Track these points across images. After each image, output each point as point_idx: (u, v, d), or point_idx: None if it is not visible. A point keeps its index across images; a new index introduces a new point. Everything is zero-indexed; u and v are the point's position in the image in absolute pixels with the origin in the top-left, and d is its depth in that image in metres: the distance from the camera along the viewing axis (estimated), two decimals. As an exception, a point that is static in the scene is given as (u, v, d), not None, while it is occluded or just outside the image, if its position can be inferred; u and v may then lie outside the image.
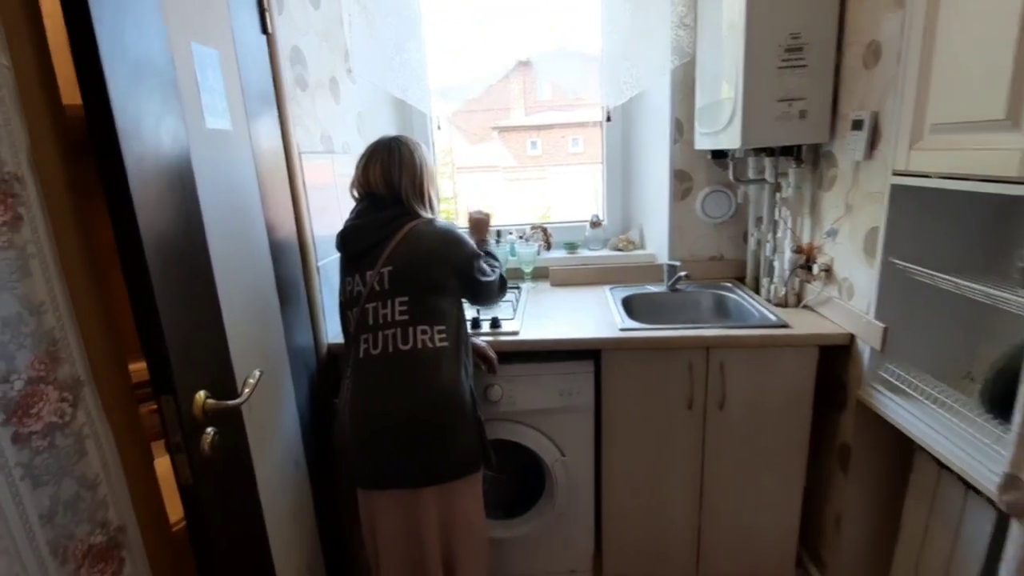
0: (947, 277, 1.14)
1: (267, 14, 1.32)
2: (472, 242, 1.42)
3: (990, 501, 1.11)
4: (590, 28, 1.99)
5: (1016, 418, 0.93)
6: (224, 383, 1.02)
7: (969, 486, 1.21)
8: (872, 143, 1.35)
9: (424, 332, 1.30)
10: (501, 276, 1.50)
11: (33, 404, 0.71)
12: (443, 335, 1.31)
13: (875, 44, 1.33)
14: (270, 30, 1.34)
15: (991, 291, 1.04)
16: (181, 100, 0.94)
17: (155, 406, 0.89)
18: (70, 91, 0.79)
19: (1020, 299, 0.98)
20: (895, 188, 1.24)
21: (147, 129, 0.83)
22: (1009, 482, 0.96)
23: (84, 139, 0.78)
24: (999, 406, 1.07)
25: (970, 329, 1.32)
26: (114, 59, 0.76)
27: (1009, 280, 1.09)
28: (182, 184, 0.93)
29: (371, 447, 1.30)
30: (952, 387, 1.24)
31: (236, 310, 1.11)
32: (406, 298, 1.30)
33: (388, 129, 2.19)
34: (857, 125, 1.38)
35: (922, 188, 1.15)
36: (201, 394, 0.93)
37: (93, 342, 0.80)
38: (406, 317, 1.30)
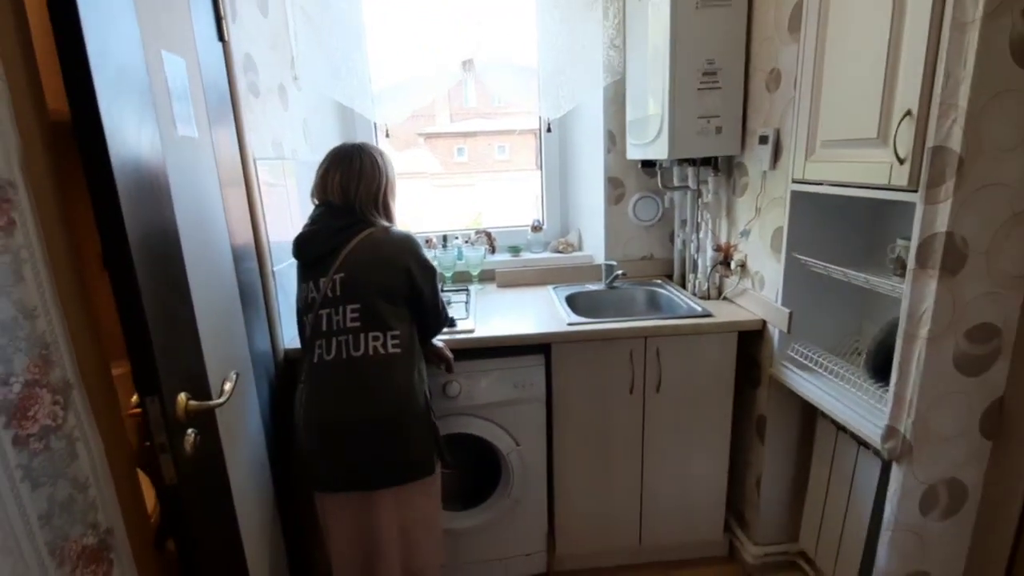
0: (837, 268, 1.37)
1: (223, 22, 1.34)
2: (426, 253, 1.44)
3: (876, 452, 1.35)
4: (530, 44, 2.14)
5: (892, 380, 1.16)
6: (201, 385, 1.04)
7: (860, 443, 1.45)
8: (776, 155, 1.58)
9: (376, 339, 1.34)
10: (443, 302, 1.51)
11: (30, 407, 0.72)
12: (396, 341, 1.35)
13: (776, 71, 1.56)
14: (226, 37, 1.35)
15: (870, 278, 1.28)
16: (155, 108, 0.96)
17: (137, 410, 0.91)
18: (52, 96, 0.80)
19: (890, 284, 1.21)
20: (794, 194, 1.47)
21: (130, 136, 0.85)
22: (889, 433, 1.18)
23: (67, 144, 0.79)
24: (880, 372, 1.31)
25: (858, 310, 1.58)
26: (100, 67, 0.78)
27: (885, 269, 1.34)
28: (160, 190, 0.95)
29: (325, 451, 1.34)
30: (846, 360, 1.48)
31: (206, 314, 1.13)
32: (358, 305, 1.33)
33: (333, 135, 2.21)
34: (763, 140, 1.61)
35: (816, 194, 1.37)
36: (183, 395, 0.95)
37: (81, 345, 0.81)
38: (358, 324, 1.33)
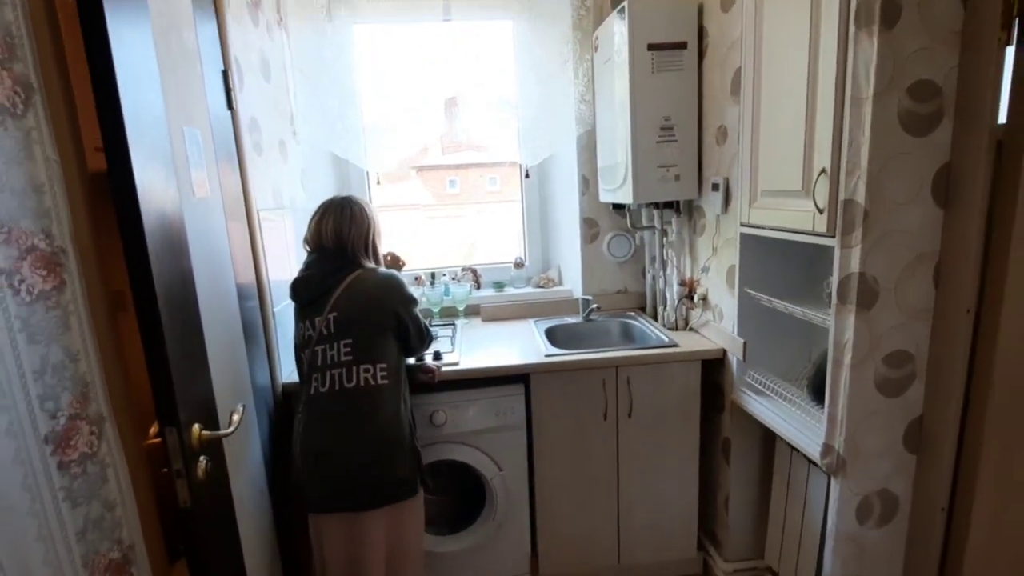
0: (780, 302, 1.53)
1: (232, 93, 1.52)
2: (408, 288, 1.61)
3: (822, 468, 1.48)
4: (509, 89, 2.35)
5: (826, 402, 1.31)
6: (212, 416, 1.17)
7: (810, 461, 1.59)
8: (726, 201, 1.76)
9: (367, 370, 1.48)
10: (426, 324, 1.67)
11: (72, 436, 0.85)
12: (384, 373, 1.49)
13: (723, 127, 1.76)
14: (235, 106, 1.53)
15: (806, 312, 1.44)
16: (176, 174, 1.12)
17: (157, 439, 1.04)
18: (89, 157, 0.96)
19: (821, 316, 1.37)
20: (743, 235, 1.65)
21: (156, 198, 1.01)
22: (826, 450, 1.33)
23: (102, 197, 0.94)
24: (819, 394, 1.46)
25: (807, 339, 1.74)
26: (136, 144, 0.94)
27: (820, 302, 1.50)
28: (179, 244, 1.10)
29: (319, 475, 1.47)
30: (794, 385, 1.63)
31: (215, 351, 1.26)
32: (350, 340, 1.49)
33: (329, 183, 2.39)
34: (715, 187, 1.79)
35: (760, 236, 1.55)
36: (197, 426, 1.08)
37: (113, 383, 0.94)
38: (350, 357, 1.48)
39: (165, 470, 1.04)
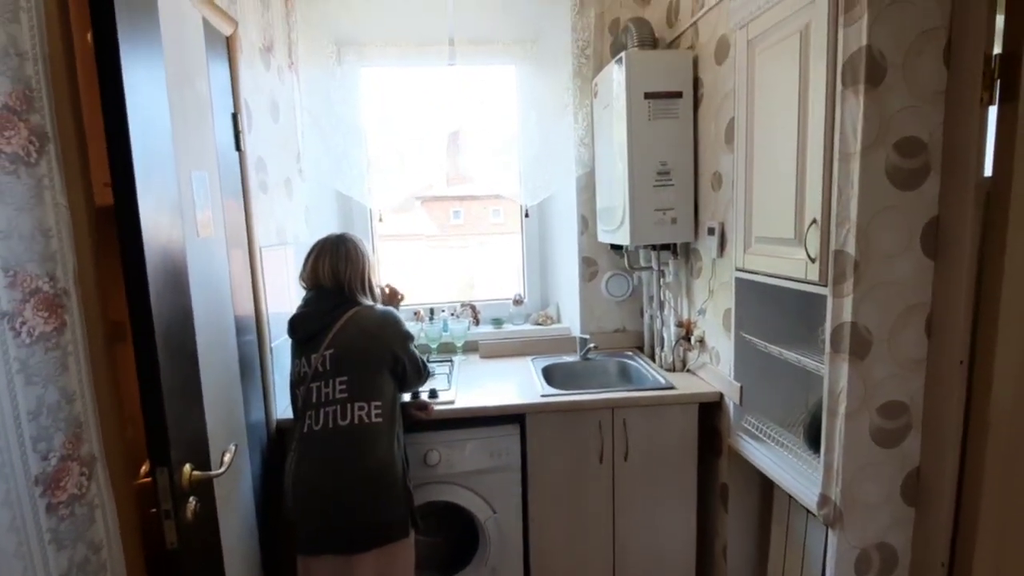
0: (775, 347, 1.54)
1: (241, 135, 1.57)
2: (406, 325, 1.63)
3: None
4: (512, 135, 2.41)
5: (822, 451, 1.30)
6: (202, 456, 1.17)
7: (808, 510, 1.56)
8: (722, 245, 1.79)
9: (361, 408, 1.48)
10: (423, 360, 1.67)
11: (62, 478, 0.85)
12: (379, 411, 1.49)
13: (718, 174, 1.80)
14: (243, 148, 1.58)
15: (801, 358, 1.44)
16: (182, 217, 1.15)
17: (147, 479, 1.03)
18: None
19: (815, 363, 1.38)
20: (738, 280, 1.66)
21: (161, 241, 1.03)
22: (823, 500, 1.31)
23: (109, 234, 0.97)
24: (815, 442, 1.45)
25: (804, 384, 1.73)
26: (145, 193, 0.97)
27: (816, 348, 1.51)
28: (180, 285, 1.12)
29: (310, 515, 1.45)
30: (791, 431, 1.62)
31: (210, 389, 1.27)
32: (345, 377, 1.49)
33: (333, 219, 2.43)
34: (711, 231, 1.82)
35: (755, 281, 1.56)
36: (188, 466, 1.08)
37: (107, 423, 0.95)
38: (345, 395, 1.48)
39: (154, 510, 1.03)
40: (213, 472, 1.11)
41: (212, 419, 1.25)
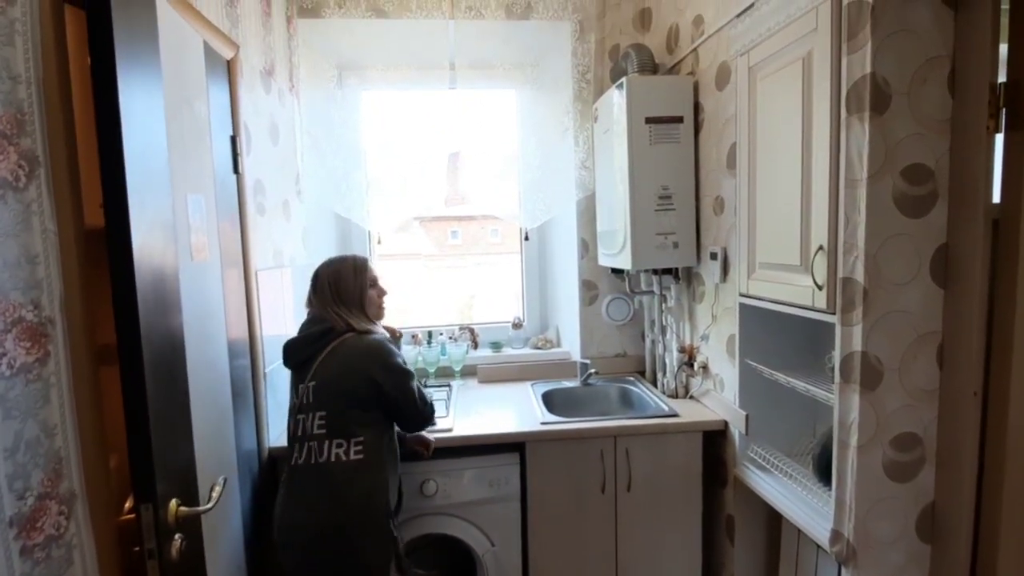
0: (782, 376, 1.50)
1: (239, 158, 1.55)
2: (401, 358, 1.49)
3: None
4: (512, 158, 2.41)
5: (833, 485, 1.26)
6: (190, 490, 1.12)
7: (819, 545, 1.51)
8: (725, 270, 1.77)
9: (340, 446, 1.40)
10: (423, 396, 1.54)
11: (39, 518, 0.81)
12: (359, 448, 1.40)
13: (720, 198, 1.79)
14: (241, 170, 1.56)
15: (810, 387, 1.41)
16: (176, 241, 1.12)
17: (130, 515, 0.99)
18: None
19: (825, 393, 1.34)
20: (742, 306, 1.63)
21: (153, 265, 1.00)
22: (835, 536, 1.26)
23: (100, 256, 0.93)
24: (825, 474, 1.40)
25: (811, 412, 1.69)
26: (139, 217, 0.95)
27: (823, 375, 1.47)
28: (172, 310, 1.09)
29: (291, 549, 1.39)
30: (799, 462, 1.57)
31: (200, 418, 1.23)
32: (324, 412, 1.41)
33: (331, 242, 2.41)
34: (714, 256, 1.80)
35: (759, 307, 1.54)
36: (174, 502, 1.03)
37: (89, 458, 0.91)
38: (324, 431, 1.40)
39: (137, 548, 0.98)
40: (201, 508, 1.06)
41: (202, 449, 1.20)
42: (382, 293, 1.61)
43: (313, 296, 1.54)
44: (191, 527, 1.09)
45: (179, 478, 1.08)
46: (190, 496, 1.11)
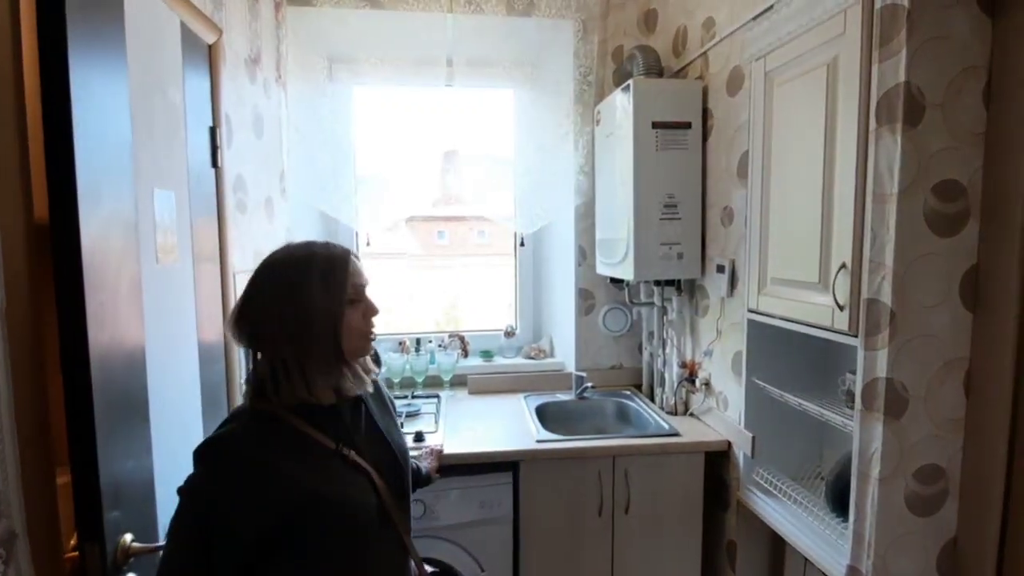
0: (793, 397, 1.42)
1: (219, 151, 1.43)
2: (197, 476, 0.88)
3: (842, 588, 1.33)
4: (508, 160, 2.31)
5: (851, 518, 1.18)
6: (146, 520, 1.00)
7: (826, 575, 1.44)
8: (732, 283, 1.69)
9: None
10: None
11: (-34, 565, 0.69)
12: None
13: (729, 209, 1.71)
14: (220, 164, 1.44)
15: (824, 412, 1.33)
16: (139, 241, 1.00)
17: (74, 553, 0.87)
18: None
19: (841, 419, 1.26)
20: (750, 322, 1.56)
21: (110, 265, 0.89)
22: (851, 573, 1.18)
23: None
24: (839, 503, 1.33)
25: (819, 436, 1.62)
26: (89, 214, 0.83)
27: (834, 397, 1.40)
28: (129, 318, 0.97)
29: None
30: (807, 486, 1.50)
31: (162, 435, 1.10)
32: None
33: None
34: (720, 269, 1.72)
35: (769, 324, 1.46)
36: (127, 537, 0.91)
37: (32, 497, 0.79)
38: None
39: (85, 591, 0.86)
40: (159, 543, 0.94)
41: (164, 468, 1.08)
42: (371, 313, 0.98)
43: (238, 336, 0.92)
44: (146, 566, 0.97)
45: (134, 507, 0.96)
46: (146, 527, 0.99)
